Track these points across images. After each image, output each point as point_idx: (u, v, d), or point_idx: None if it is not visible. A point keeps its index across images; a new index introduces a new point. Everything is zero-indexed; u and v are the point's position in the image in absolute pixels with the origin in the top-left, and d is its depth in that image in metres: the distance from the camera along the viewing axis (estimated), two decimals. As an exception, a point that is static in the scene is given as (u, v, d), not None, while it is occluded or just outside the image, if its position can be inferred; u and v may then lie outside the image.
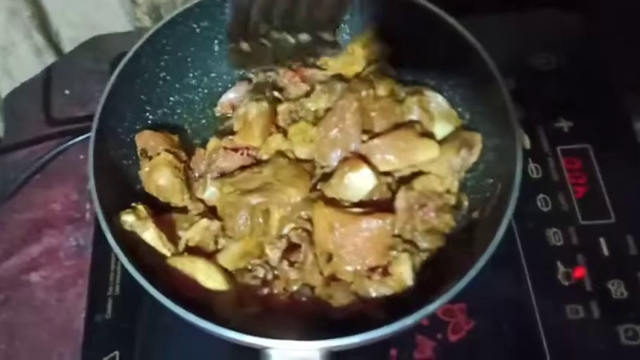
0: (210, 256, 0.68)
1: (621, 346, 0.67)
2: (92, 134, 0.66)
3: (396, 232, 0.66)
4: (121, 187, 0.71)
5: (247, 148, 0.74)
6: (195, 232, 0.68)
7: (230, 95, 0.83)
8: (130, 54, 0.72)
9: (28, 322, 0.77)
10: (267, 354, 0.55)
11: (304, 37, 0.66)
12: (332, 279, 0.66)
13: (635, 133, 0.81)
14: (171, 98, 0.80)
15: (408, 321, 0.55)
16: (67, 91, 0.97)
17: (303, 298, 0.66)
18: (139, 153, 0.73)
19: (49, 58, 1.03)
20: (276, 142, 0.74)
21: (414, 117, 0.72)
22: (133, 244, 0.63)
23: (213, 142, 0.77)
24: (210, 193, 0.73)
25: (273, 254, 0.67)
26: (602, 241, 0.73)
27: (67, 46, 1.06)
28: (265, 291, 0.66)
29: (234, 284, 0.65)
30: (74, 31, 1.04)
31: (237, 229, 0.68)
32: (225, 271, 0.66)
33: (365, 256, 0.64)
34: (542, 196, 0.77)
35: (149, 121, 0.77)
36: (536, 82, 0.85)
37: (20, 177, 0.86)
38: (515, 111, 0.65)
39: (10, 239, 0.84)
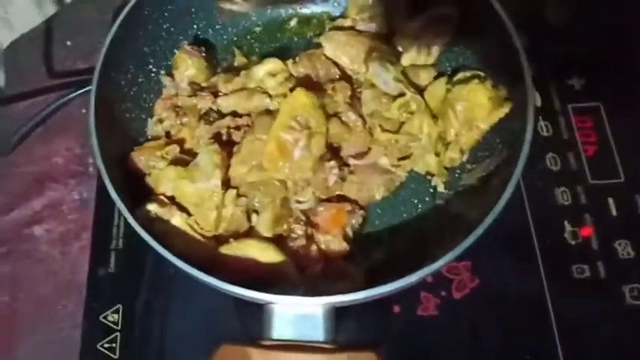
0: (248, 235, 0.66)
1: (626, 305, 0.67)
2: (93, 87, 0.65)
3: None
4: (125, 143, 0.69)
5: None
6: (229, 207, 0.65)
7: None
8: (131, 3, 0.70)
9: (31, 275, 0.77)
10: (271, 309, 0.54)
11: None
12: None
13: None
14: (175, 50, 0.78)
15: (412, 278, 0.54)
16: (68, 43, 0.96)
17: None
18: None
19: (50, 9, 1.01)
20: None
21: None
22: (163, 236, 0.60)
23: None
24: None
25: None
26: (610, 200, 0.73)
27: (69, -3, 1.03)
28: (314, 248, 0.65)
29: (286, 253, 0.64)
30: (76, -20, 1.01)
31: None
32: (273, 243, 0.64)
33: None
34: (551, 155, 0.75)
35: (152, 74, 0.76)
36: (549, 37, 0.82)
37: (22, 130, 0.84)
38: (528, 67, 0.63)
39: (12, 193, 0.83)
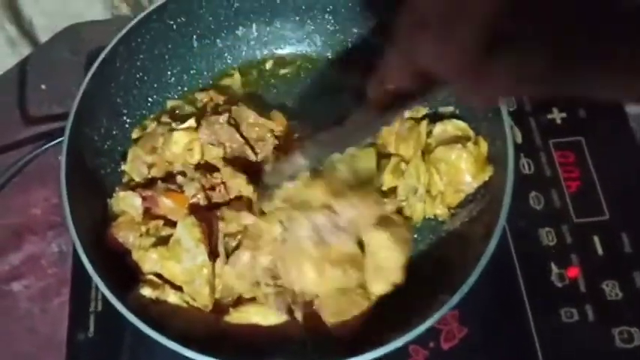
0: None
1: (616, 349, 0.66)
2: (64, 146, 0.63)
3: None
4: (100, 202, 0.68)
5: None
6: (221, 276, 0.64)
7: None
8: (102, 56, 0.69)
9: (11, 332, 0.75)
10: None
11: None
12: None
13: (627, 118, 0.79)
14: (150, 99, 0.77)
15: (398, 343, 0.54)
16: (43, 86, 0.94)
17: None
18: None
19: (24, 49, 1.00)
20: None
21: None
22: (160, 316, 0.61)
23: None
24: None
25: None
26: (596, 239, 0.72)
27: (42, 37, 1.02)
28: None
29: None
30: (49, 20, 1.00)
31: None
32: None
33: None
34: (534, 194, 0.74)
35: (126, 125, 0.74)
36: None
37: (-2, 181, 0.82)
38: (506, 107, 0.62)
39: (-11, 248, 0.81)
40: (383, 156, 0.70)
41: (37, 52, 0.99)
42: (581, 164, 0.76)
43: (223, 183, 0.66)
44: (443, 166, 0.66)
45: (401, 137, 0.69)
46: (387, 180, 0.69)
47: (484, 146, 0.67)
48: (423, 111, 0.72)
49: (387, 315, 0.63)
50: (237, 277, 0.61)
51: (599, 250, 0.71)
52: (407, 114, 0.71)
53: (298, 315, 0.60)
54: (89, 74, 0.68)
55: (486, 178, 0.65)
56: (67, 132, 0.65)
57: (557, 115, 0.79)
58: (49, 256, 0.80)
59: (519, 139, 0.77)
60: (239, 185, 0.64)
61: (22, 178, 0.85)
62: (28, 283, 0.79)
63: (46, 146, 0.82)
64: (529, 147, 0.77)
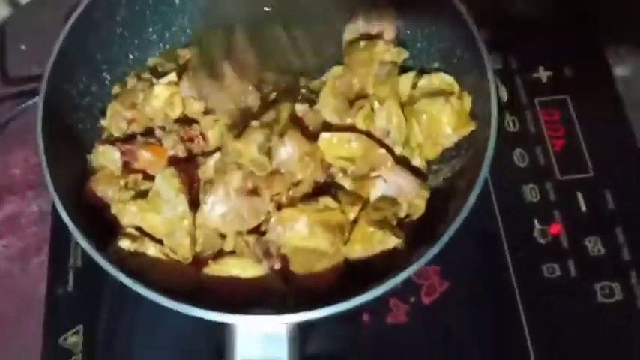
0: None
1: (597, 303, 0.67)
2: (40, 101, 0.62)
3: None
4: (79, 158, 0.67)
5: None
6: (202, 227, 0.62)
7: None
8: (80, 10, 0.67)
9: (-9, 293, 0.75)
10: (233, 328, 0.53)
11: None
12: None
13: (614, 81, 0.78)
14: (131, 56, 0.75)
15: (377, 291, 0.52)
16: (23, 47, 0.92)
17: None
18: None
19: (4, 11, 0.98)
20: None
21: None
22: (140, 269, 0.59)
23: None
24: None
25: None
26: (579, 196, 0.72)
27: (23, -2, 1.00)
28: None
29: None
30: (29, -19, 0.98)
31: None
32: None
33: None
34: (519, 151, 0.74)
35: (107, 81, 0.73)
36: (514, 29, 0.81)
37: (-24, 142, 0.81)
38: (490, 63, 0.61)
39: (-31, 208, 0.80)
40: (359, 97, 0.69)
41: (17, 13, 0.97)
42: (567, 122, 0.76)
43: (202, 134, 0.65)
44: (424, 118, 0.65)
45: (379, 80, 0.68)
46: (359, 124, 0.67)
47: (467, 101, 0.65)
48: (403, 54, 0.71)
49: (368, 270, 0.63)
50: (220, 218, 0.60)
51: (583, 207, 0.71)
52: (388, 56, 0.69)
53: (277, 265, 0.60)
54: (66, 28, 0.66)
55: (467, 133, 0.64)
56: (44, 86, 0.63)
57: (542, 74, 0.78)
58: (28, 216, 0.80)
59: (505, 97, 0.76)
60: (218, 134, 0.63)
61: (2, 138, 0.84)
62: (8, 243, 0.78)
63: (25, 104, 0.81)
64: (515, 105, 0.77)
